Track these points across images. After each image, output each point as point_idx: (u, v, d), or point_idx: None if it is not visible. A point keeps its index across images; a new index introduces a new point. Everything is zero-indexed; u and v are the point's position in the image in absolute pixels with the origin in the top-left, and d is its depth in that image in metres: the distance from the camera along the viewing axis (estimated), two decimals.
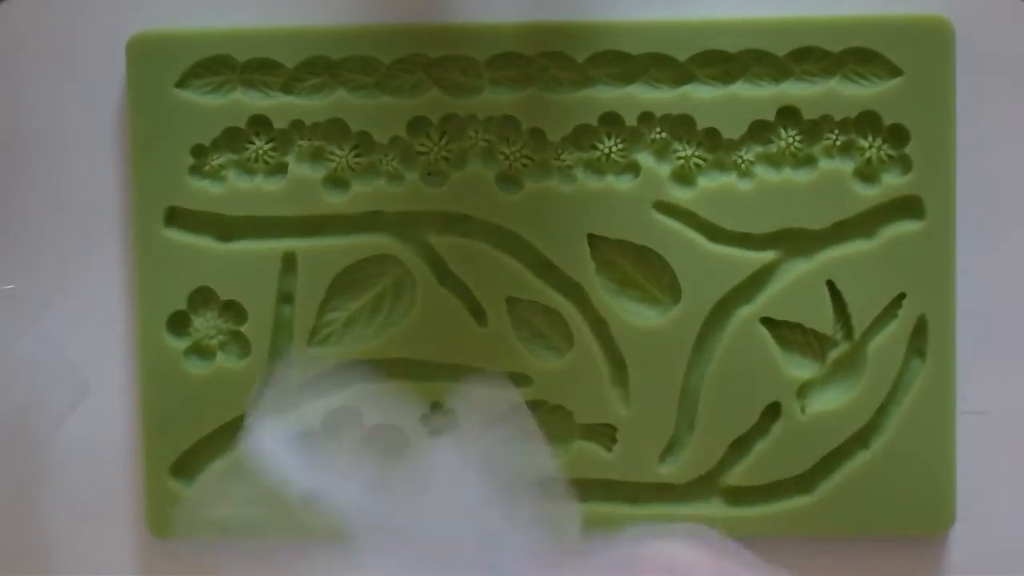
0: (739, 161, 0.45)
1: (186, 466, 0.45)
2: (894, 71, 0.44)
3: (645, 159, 0.45)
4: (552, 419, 0.45)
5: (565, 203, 0.45)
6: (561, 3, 0.45)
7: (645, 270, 0.45)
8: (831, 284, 0.45)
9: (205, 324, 0.45)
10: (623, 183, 0.45)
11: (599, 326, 0.45)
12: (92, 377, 0.46)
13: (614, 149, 0.45)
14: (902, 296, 0.44)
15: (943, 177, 0.44)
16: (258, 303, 0.45)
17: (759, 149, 0.45)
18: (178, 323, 0.45)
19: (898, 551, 0.46)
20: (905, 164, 0.44)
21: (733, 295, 0.45)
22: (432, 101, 0.45)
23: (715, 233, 0.45)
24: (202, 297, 0.45)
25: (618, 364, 0.45)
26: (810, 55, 0.44)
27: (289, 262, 0.45)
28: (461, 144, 0.45)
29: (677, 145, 0.45)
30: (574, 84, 0.45)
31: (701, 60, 0.44)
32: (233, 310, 0.45)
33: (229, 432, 0.45)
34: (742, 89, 0.44)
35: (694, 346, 0.45)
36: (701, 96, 0.44)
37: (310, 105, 0.45)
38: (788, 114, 0.44)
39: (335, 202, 0.45)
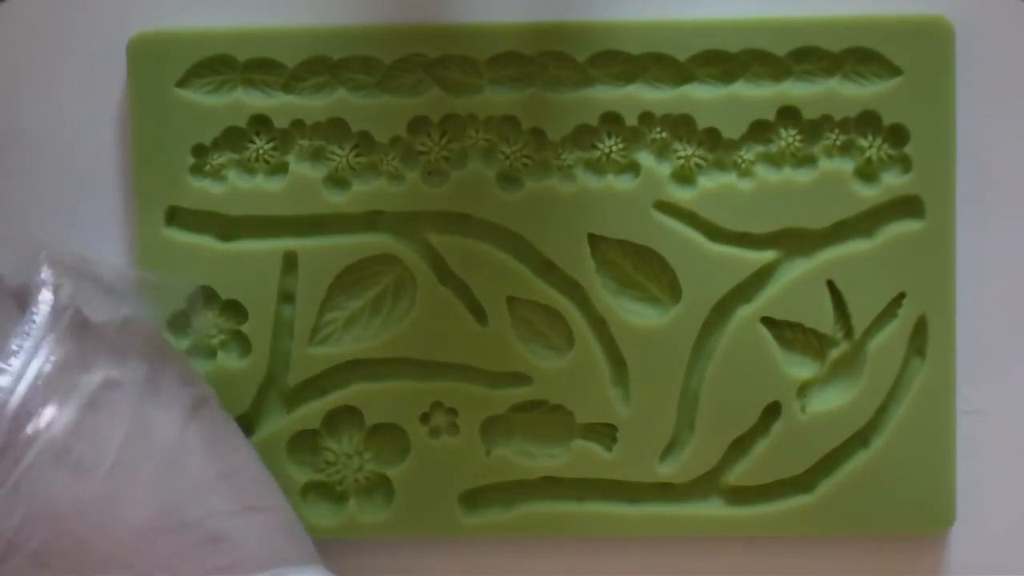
0: (739, 161, 0.45)
1: None
2: (894, 71, 0.44)
3: (645, 159, 0.45)
4: (552, 419, 0.45)
5: (565, 203, 0.45)
6: (561, 3, 0.45)
7: (645, 270, 0.45)
8: (831, 284, 0.45)
9: (206, 323, 0.45)
10: (623, 183, 0.45)
11: (599, 326, 0.45)
12: None
13: (614, 149, 0.45)
14: (902, 296, 0.44)
15: (943, 177, 0.44)
16: (259, 303, 0.45)
17: (759, 149, 0.45)
18: (178, 322, 0.45)
19: (898, 551, 0.46)
20: (905, 164, 0.44)
21: (733, 295, 0.45)
22: (432, 101, 0.45)
23: (715, 233, 0.45)
24: (203, 296, 0.45)
25: (618, 364, 0.45)
26: (810, 55, 0.44)
27: (290, 261, 0.45)
28: (461, 144, 0.45)
29: (677, 145, 0.45)
30: (574, 84, 0.45)
31: (701, 60, 0.44)
32: (234, 309, 0.45)
33: None
34: (742, 89, 0.44)
35: (694, 346, 0.45)
36: (701, 96, 0.44)
37: (311, 105, 0.45)
38: (788, 114, 0.44)
39: (335, 201, 0.45)
